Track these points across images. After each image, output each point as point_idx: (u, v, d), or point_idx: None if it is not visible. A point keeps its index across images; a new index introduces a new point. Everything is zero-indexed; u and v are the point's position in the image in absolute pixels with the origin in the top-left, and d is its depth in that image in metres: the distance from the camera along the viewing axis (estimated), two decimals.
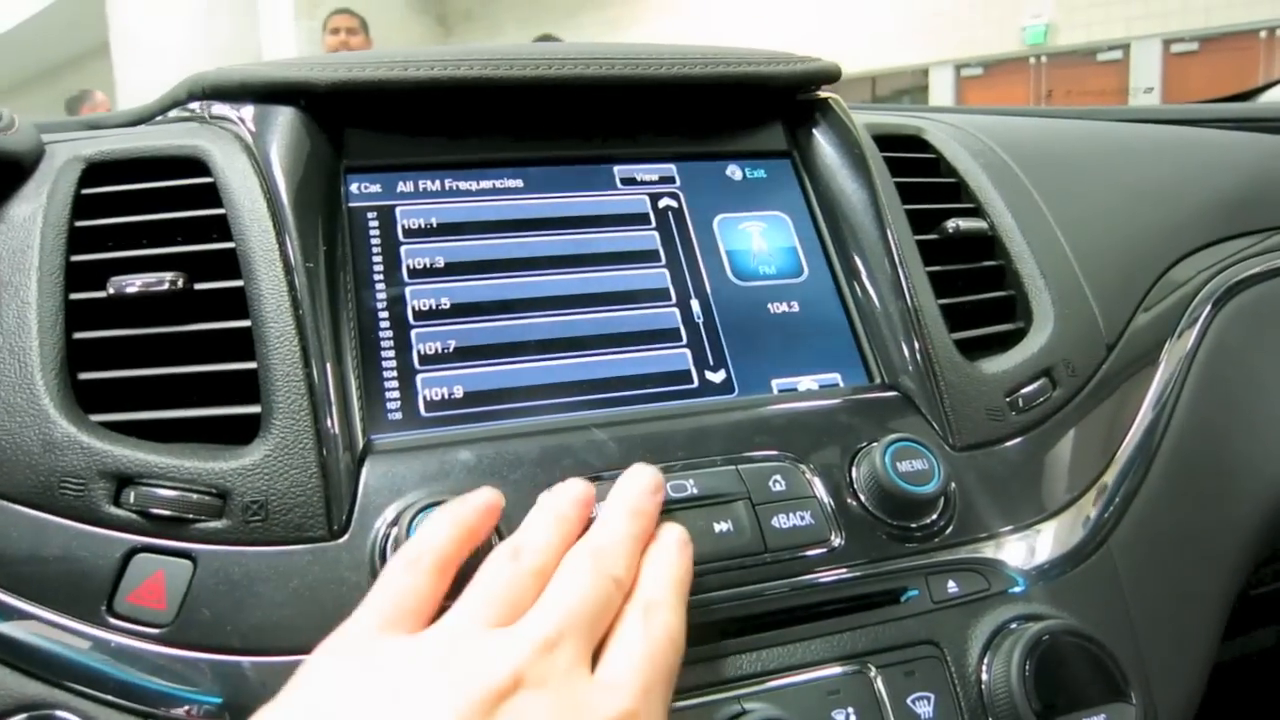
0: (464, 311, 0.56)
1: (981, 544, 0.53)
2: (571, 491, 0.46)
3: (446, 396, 0.53)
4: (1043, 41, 8.62)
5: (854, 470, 0.52)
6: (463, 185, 0.60)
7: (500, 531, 0.46)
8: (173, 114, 0.72)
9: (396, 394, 0.53)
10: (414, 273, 0.56)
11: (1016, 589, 0.52)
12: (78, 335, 0.50)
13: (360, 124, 0.59)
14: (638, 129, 0.65)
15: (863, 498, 0.51)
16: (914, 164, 0.71)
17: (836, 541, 0.50)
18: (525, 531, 0.44)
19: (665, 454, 0.51)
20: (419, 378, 0.53)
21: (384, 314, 0.55)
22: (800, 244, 0.64)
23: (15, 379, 0.47)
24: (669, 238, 0.61)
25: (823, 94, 0.68)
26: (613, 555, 0.43)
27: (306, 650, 0.43)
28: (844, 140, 0.64)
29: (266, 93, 0.58)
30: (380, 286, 0.55)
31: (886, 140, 0.70)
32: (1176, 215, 0.79)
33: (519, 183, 0.61)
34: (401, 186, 0.59)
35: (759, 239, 0.63)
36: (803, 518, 0.50)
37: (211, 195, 0.55)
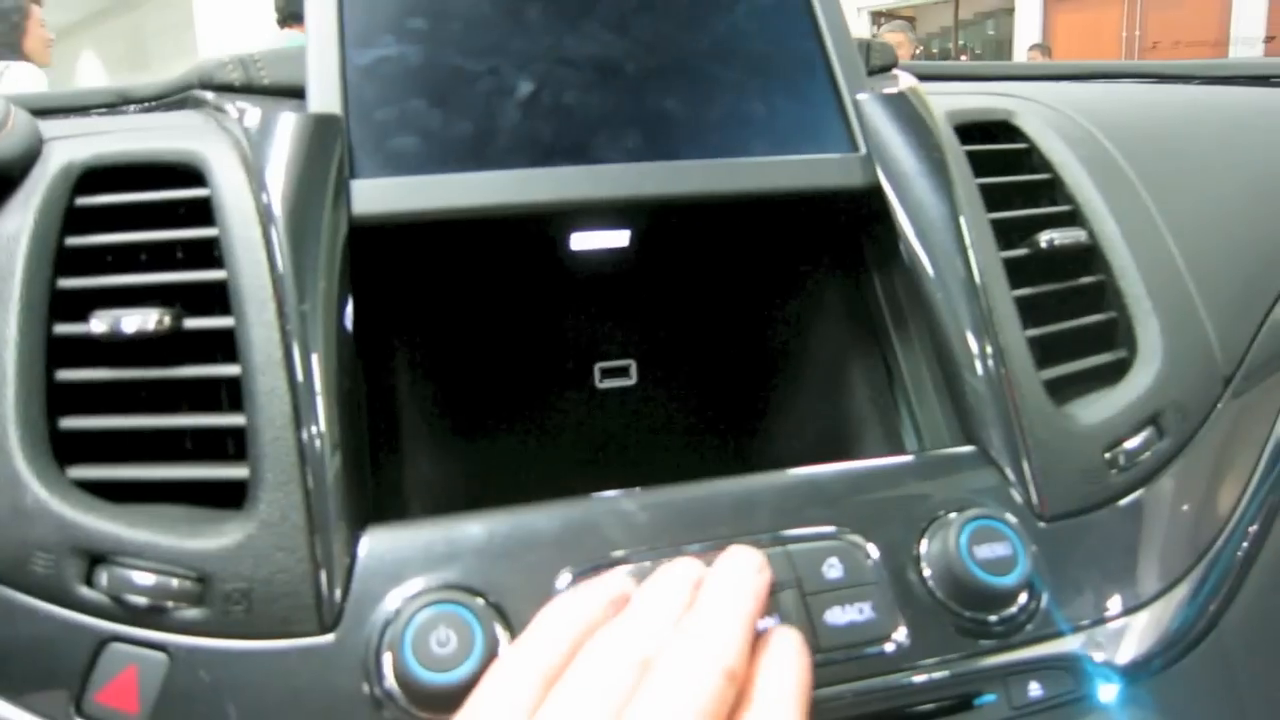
0: None
1: (1070, 638, 0.45)
2: (686, 572, 0.40)
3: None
4: None
5: (923, 550, 0.45)
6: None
7: (513, 629, 0.40)
8: (190, 97, 0.66)
9: None
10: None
11: (1110, 691, 0.45)
12: (60, 377, 0.45)
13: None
14: None
15: (932, 585, 0.44)
16: (1002, 158, 0.62)
17: (901, 638, 0.43)
18: (634, 617, 0.38)
19: (705, 529, 0.44)
20: None
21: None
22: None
23: None
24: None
25: (901, 85, 0.59)
26: (725, 643, 0.35)
27: None
28: (922, 142, 0.55)
29: None
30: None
31: (971, 130, 0.61)
32: None
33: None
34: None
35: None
36: (861, 610, 0.43)
37: (210, 210, 0.49)
